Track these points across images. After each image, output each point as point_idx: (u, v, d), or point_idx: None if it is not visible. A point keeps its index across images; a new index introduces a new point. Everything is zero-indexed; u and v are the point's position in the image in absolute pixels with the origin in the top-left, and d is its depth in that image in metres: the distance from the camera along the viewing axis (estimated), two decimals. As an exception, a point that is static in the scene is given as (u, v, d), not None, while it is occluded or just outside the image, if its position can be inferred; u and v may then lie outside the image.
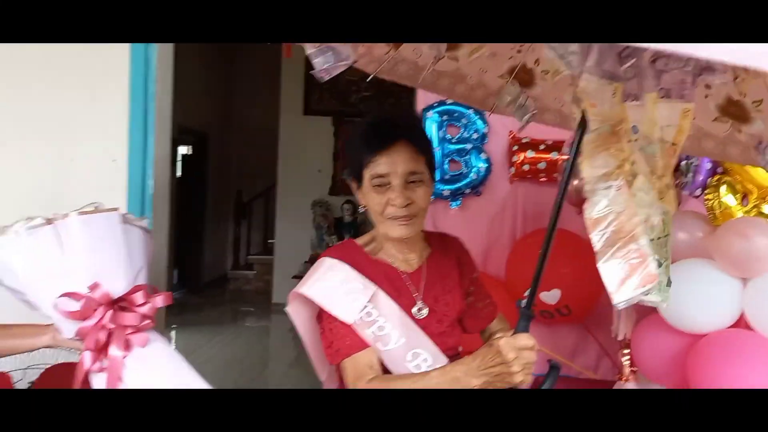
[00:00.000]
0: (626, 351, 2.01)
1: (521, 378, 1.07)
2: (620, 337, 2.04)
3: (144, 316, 1.21)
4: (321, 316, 1.30)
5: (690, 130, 1.49)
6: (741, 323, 1.75)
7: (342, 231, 6.38)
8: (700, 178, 1.96)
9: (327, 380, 1.50)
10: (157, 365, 1.21)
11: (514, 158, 2.40)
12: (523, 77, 1.52)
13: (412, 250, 1.34)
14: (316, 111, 6.60)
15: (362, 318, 1.25)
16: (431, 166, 1.32)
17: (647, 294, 0.98)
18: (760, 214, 1.73)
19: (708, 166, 2.06)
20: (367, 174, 1.27)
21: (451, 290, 1.36)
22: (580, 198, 2.18)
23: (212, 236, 7.43)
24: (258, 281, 7.45)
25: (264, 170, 7.57)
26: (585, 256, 2.21)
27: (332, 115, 6.60)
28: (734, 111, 1.38)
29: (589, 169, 1.02)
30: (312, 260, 6.34)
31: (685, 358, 1.79)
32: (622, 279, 0.96)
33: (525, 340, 1.08)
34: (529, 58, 1.49)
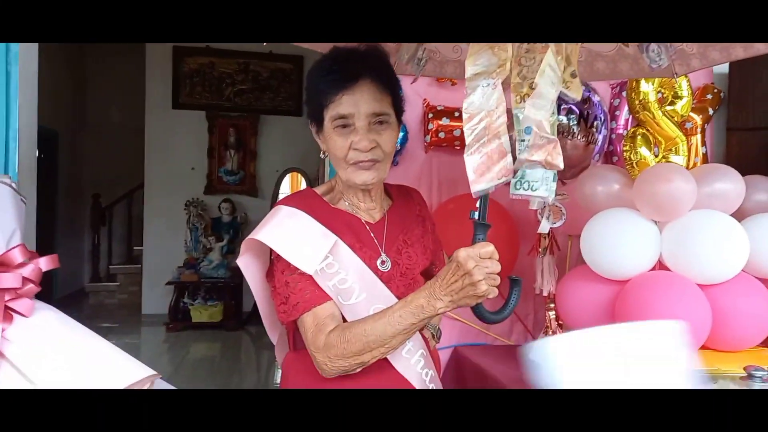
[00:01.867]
0: (551, 306, 2.06)
1: (485, 287, 1.01)
2: (545, 293, 2.09)
3: (26, 280, 1.02)
4: (272, 272, 1.19)
5: (582, 55, 1.58)
6: (657, 266, 1.87)
7: (221, 231, 6.02)
8: (605, 133, 2.10)
9: (278, 343, 1.36)
10: (48, 337, 1.01)
11: (430, 126, 2.37)
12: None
13: (374, 199, 1.25)
14: (186, 105, 6.18)
15: (323, 269, 1.14)
16: (398, 107, 1.22)
17: (535, 190, 1.09)
18: (669, 161, 1.87)
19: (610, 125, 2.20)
20: (328, 115, 1.16)
21: (413, 243, 1.28)
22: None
23: (66, 246, 6.62)
24: (122, 293, 6.79)
25: (126, 172, 6.94)
26: (502, 223, 2.25)
27: (206, 109, 6.22)
28: None
29: (471, 66, 1.07)
30: (187, 264, 5.94)
31: (611, 305, 1.87)
32: (482, 171, 1.05)
33: (483, 247, 1.02)
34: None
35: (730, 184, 1.87)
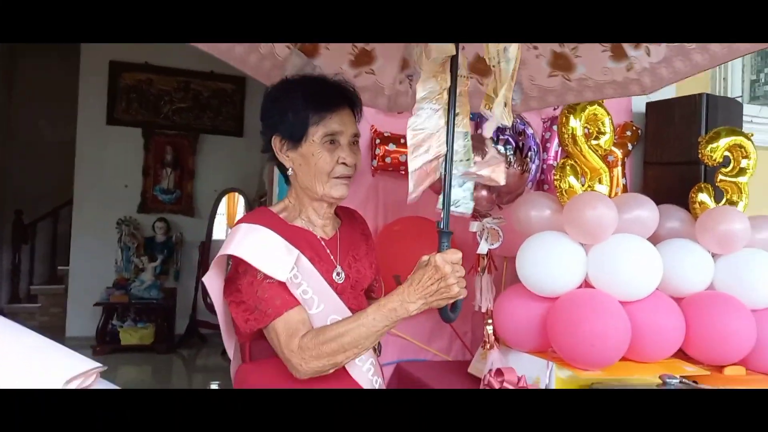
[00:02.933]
0: (489, 322, 2.19)
1: (458, 289, 1.14)
2: (483, 310, 2.22)
3: None
4: (236, 285, 1.23)
5: (535, 91, 1.75)
6: (584, 284, 2.05)
7: (154, 251, 5.86)
8: (538, 163, 2.28)
9: (234, 357, 1.41)
10: None
11: (377, 151, 2.48)
12: (307, 48, 1.55)
13: (328, 217, 1.35)
14: (122, 121, 6.03)
15: (291, 279, 1.22)
16: None
17: (458, 207, 1.26)
18: (594, 191, 2.05)
19: (544, 156, 2.40)
20: (318, 132, 1.25)
21: (360, 259, 1.39)
22: (441, 186, 2.35)
23: (-18, 265, 6.25)
24: (43, 315, 6.45)
25: (53, 188, 6.64)
26: (444, 242, 2.38)
27: (142, 126, 6.09)
28: (561, 63, 1.63)
29: (420, 90, 1.23)
30: (117, 285, 5.72)
31: (543, 320, 2.02)
32: (417, 183, 1.23)
33: (455, 254, 1.15)
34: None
35: (647, 211, 2.08)
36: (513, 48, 1.18)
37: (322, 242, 1.32)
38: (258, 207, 1.38)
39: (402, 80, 1.72)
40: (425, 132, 1.22)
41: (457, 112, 1.26)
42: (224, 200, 6.44)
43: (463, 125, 1.26)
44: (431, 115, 1.23)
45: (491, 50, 1.19)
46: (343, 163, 1.26)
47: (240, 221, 1.28)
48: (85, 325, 5.74)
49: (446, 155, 1.23)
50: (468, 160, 1.26)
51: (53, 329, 6.14)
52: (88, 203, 5.95)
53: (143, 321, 5.63)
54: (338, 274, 1.31)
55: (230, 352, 1.39)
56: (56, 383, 0.86)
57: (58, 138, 6.48)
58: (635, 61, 1.57)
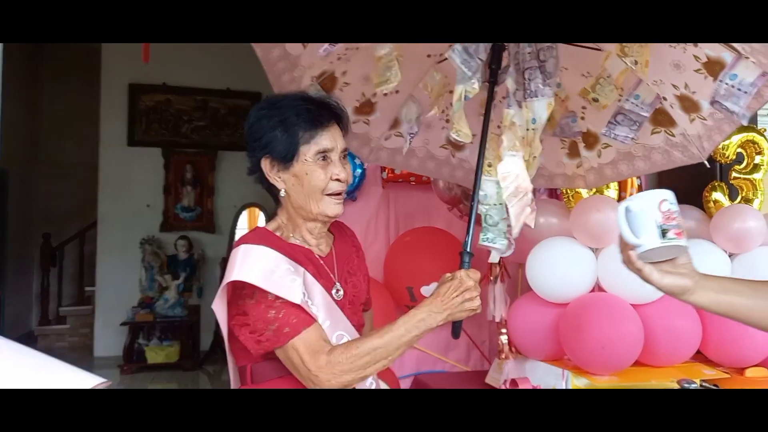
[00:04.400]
0: (503, 331, 2.18)
1: (478, 302, 1.21)
2: (497, 319, 2.20)
3: None
4: (242, 308, 1.21)
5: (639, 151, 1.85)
6: (595, 289, 2.03)
7: (177, 269, 5.94)
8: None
9: (233, 381, 1.39)
10: None
11: (386, 163, 2.51)
12: (326, 83, 1.68)
13: (321, 234, 1.34)
14: (142, 142, 6.15)
15: (301, 298, 1.20)
16: None
17: (495, 242, 1.50)
18: (602, 194, 2.04)
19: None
20: (311, 150, 1.24)
21: (355, 273, 1.39)
22: (451, 197, 2.35)
23: (13, 289, 6.40)
24: (73, 336, 6.57)
25: (79, 209, 6.80)
26: (456, 251, 2.38)
27: (161, 146, 6.21)
28: (662, 119, 1.70)
29: (504, 140, 1.47)
30: (142, 304, 5.82)
31: (555, 327, 2.00)
32: (516, 219, 1.44)
33: (476, 273, 1.24)
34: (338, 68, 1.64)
35: (659, 213, 2.05)
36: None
37: (320, 260, 1.31)
38: (256, 227, 1.38)
39: (388, 137, 1.83)
40: (511, 174, 1.43)
41: (489, 162, 1.48)
42: (244, 215, 6.50)
43: (495, 173, 1.48)
44: (512, 160, 1.45)
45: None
46: (337, 179, 1.26)
47: (241, 241, 1.25)
48: (112, 345, 5.83)
49: (473, 191, 1.41)
50: (501, 204, 1.47)
51: (82, 349, 6.28)
52: (112, 224, 6.07)
53: (168, 339, 5.70)
54: (337, 291, 1.31)
55: (231, 375, 1.35)
56: None
57: (82, 160, 6.64)
58: (585, 160, 1.82)
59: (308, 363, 1.15)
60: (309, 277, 1.24)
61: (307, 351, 1.16)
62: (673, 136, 1.71)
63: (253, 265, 1.20)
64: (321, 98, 1.32)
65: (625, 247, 1.01)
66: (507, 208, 1.47)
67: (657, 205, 1.00)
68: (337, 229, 1.44)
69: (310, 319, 1.19)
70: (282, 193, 1.29)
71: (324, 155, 1.25)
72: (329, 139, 1.26)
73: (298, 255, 1.26)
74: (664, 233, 0.99)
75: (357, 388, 1.29)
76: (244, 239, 1.26)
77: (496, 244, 1.49)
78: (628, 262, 1.03)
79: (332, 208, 1.27)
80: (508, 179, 1.43)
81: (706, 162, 1.73)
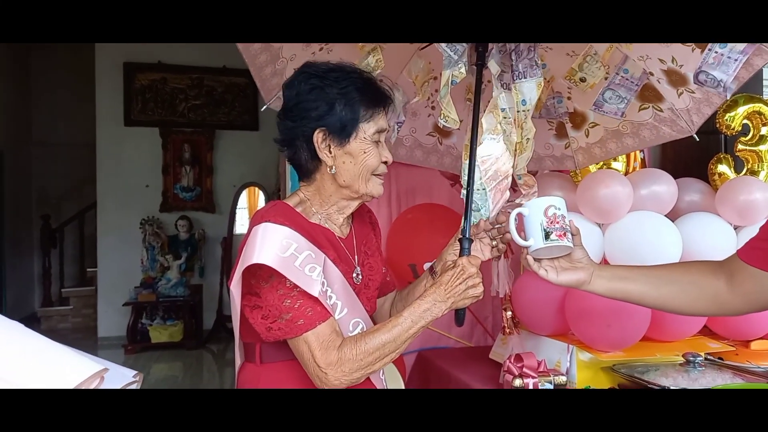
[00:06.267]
0: (507, 307, 2.17)
1: (482, 289, 1.19)
2: (501, 294, 2.19)
3: None
4: (257, 289, 1.17)
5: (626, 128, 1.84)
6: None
7: (178, 249, 5.95)
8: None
9: (238, 355, 1.36)
10: None
11: (386, 139, 2.48)
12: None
13: (348, 215, 1.30)
14: (139, 122, 6.10)
15: (319, 290, 1.15)
16: None
17: (479, 211, 1.46)
18: (609, 167, 2.01)
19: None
20: (370, 128, 1.21)
21: (373, 254, 1.36)
22: (453, 173, 2.32)
23: (13, 270, 6.41)
24: (76, 317, 6.62)
25: (76, 190, 6.78)
26: (458, 228, 2.36)
27: (159, 125, 6.15)
28: (648, 95, 1.67)
29: (484, 123, 1.46)
30: (144, 284, 5.83)
31: (561, 302, 1.99)
32: (494, 201, 1.45)
33: (476, 258, 1.21)
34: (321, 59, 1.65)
35: (665, 186, 2.03)
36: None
37: (341, 243, 1.26)
38: (275, 201, 1.31)
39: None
40: (491, 157, 1.42)
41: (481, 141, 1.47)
42: (244, 194, 6.48)
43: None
44: (492, 143, 1.44)
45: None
46: (384, 162, 1.24)
47: (260, 218, 1.17)
48: (115, 325, 5.87)
49: (468, 176, 1.38)
50: (484, 189, 1.48)
51: (86, 330, 6.32)
52: (111, 205, 6.06)
53: (171, 318, 5.73)
54: (357, 275, 1.28)
55: (237, 352, 1.31)
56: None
57: (77, 140, 6.59)
58: (573, 141, 1.80)
59: (318, 359, 1.12)
60: (329, 263, 1.19)
61: (319, 346, 1.12)
62: (661, 111, 1.69)
63: (274, 246, 1.13)
64: (377, 79, 1.28)
65: (522, 250, 1.19)
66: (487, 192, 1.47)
67: (543, 210, 1.17)
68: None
69: (326, 313, 1.15)
70: (332, 170, 1.22)
71: (379, 137, 1.23)
72: (384, 120, 1.23)
73: (320, 238, 1.20)
74: (547, 235, 1.16)
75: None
76: (265, 215, 1.17)
77: (481, 212, 1.47)
78: (526, 264, 1.21)
79: (378, 188, 1.25)
80: (488, 162, 1.42)
81: (695, 135, 1.71)
